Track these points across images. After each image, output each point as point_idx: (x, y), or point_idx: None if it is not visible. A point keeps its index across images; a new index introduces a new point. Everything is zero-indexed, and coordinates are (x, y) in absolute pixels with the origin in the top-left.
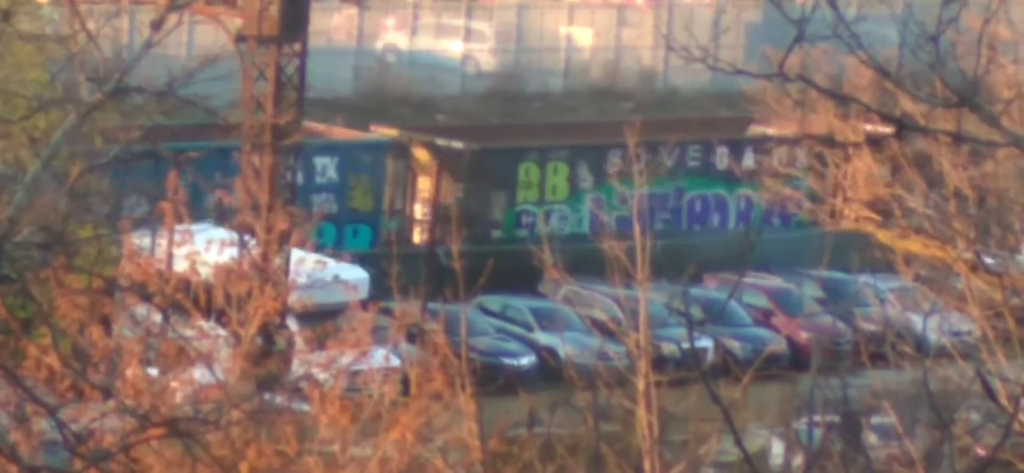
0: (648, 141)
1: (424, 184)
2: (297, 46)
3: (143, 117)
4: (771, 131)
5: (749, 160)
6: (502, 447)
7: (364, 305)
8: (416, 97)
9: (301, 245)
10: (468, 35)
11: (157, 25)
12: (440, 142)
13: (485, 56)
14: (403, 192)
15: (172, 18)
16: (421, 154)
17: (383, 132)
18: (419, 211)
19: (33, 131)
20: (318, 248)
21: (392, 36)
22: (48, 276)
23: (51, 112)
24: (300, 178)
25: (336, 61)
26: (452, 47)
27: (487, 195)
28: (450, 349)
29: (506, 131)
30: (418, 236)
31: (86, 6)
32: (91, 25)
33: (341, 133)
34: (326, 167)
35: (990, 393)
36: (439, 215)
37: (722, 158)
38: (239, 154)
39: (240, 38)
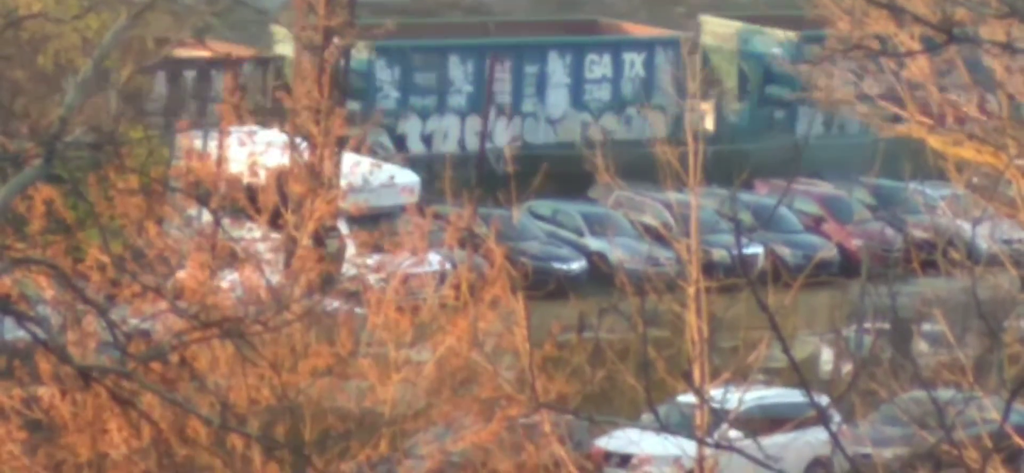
0: None
1: None
2: None
3: (195, 19)
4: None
5: None
6: (552, 352)
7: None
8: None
9: None
10: None
11: None
12: None
13: None
14: None
15: None
16: None
17: None
18: None
19: (85, 31)
20: None
21: None
22: (104, 175)
23: (103, 12)
24: None
25: None
26: None
27: None
28: (503, 253)
29: None
30: None
31: None
32: None
33: None
34: None
35: None
36: None
37: None
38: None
39: None
